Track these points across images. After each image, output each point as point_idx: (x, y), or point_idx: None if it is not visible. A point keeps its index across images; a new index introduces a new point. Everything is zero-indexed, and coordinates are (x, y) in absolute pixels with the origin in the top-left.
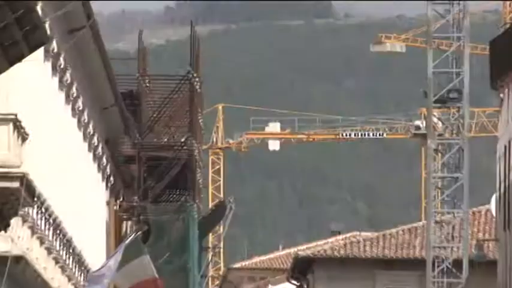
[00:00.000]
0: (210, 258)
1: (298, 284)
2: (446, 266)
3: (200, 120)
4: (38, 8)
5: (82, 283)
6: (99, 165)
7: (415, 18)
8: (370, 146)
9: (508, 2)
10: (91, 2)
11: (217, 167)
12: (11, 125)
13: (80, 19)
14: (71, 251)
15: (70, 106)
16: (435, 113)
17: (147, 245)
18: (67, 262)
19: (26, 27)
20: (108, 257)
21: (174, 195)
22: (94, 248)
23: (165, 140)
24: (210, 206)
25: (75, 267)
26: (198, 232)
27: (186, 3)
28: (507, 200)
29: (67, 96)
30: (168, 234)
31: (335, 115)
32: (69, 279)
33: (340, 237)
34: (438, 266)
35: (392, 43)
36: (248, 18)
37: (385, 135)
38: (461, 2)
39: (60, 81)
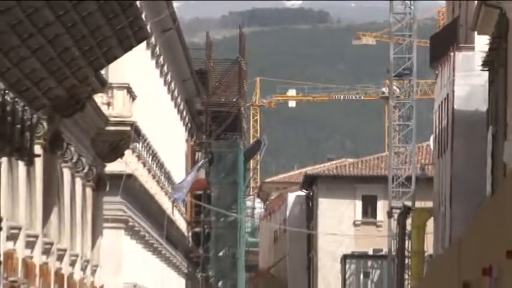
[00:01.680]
0: (251, 175)
1: (307, 192)
2: (401, 181)
3: (245, 88)
4: (143, 15)
5: (169, 191)
6: (181, 116)
7: (382, 23)
8: (353, 104)
9: (441, 12)
10: (176, 10)
11: (256, 117)
12: (125, 90)
13: (168, 22)
14: (162, 170)
15: (162, 78)
16: (394, 83)
17: (211, 168)
18: (160, 178)
19: (134, 27)
20: (186, 174)
21: (229, 135)
22: (177, 169)
23: (223, 100)
24: (251, 142)
25: (165, 181)
26: (243, 159)
27: (236, 12)
28: (440, 138)
29: (160, 72)
30: (224, 160)
31: (330, 84)
32: (161, 189)
33: (333, 162)
34: (396, 181)
35: (366, 39)
36: (275, 23)
37: (362, 97)
38: (411, 11)
39: (156, 62)
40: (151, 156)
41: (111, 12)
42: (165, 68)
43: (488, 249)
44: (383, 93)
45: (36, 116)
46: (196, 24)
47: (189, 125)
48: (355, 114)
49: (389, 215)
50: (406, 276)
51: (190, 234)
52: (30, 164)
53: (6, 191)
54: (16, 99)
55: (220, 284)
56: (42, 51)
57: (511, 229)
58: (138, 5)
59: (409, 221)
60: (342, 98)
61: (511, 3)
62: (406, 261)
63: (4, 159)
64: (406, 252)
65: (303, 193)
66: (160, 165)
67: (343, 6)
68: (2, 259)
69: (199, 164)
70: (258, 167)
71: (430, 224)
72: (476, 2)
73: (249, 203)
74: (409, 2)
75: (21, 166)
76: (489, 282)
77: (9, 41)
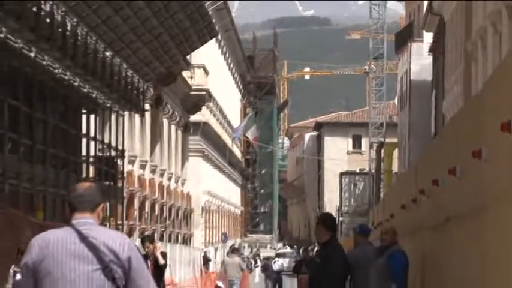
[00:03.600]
0: (281, 122)
1: (317, 133)
2: (377, 125)
3: (277, 67)
4: (213, 20)
5: (230, 132)
6: (237, 85)
7: (364, 25)
8: (346, 77)
9: (402, 18)
10: (233, 17)
11: (284, 86)
12: (202, 69)
13: (229, 25)
14: (225, 119)
15: (225, 61)
16: (372, 63)
17: (256, 118)
18: (224, 124)
19: (208, 28)
20: (240, 122)
21: (267, 97)
22: (235, 119)
23: (263, 74)
24: (281, 101)
25: (227, 126)
26: (277, 112)
27: (271, 19)
28: (402, 98)
29: (224, 57)
30: (265, 113)
31: (332, 64)
32: (225, 131)
33: (334, 114)
34: (373, 125)
35: (354, 35)
36: (296, 26)
37: (352, 72)
38: (383, 17)
39: (221, 51)
40: (218, 110)
41: (194, 18)
42: (227, 54)
43: (435, 169)
44: (365, 69)
45: (146, 85)
46: (246, 27)
47: (242, 90)
48: (347, 83)
49: (370, 147)
50: (381, 186)
51: (243, 159)
52: (142, 115)
53: (127, 133)
54: (134, 74)
55: (262, 191)
56: (151, 44)
57: (450, 156)
58: (210, 13)
59: (382, 151)
60: (339, 73)
61: (447, 13)
62: (381, 176)
63: (126, 113)
64: (380, 170)
65: (314, 133)
66: (224, 116)
67: (339, 15)
68: (125, 176)
69: (249, 115)
70: (286, 117)
71: (396, 152)
72: (424, 10)
73: (280, 140)
74: (381, 11)
75: (137, 117)
76: (436, 190)
77: (129, 38)
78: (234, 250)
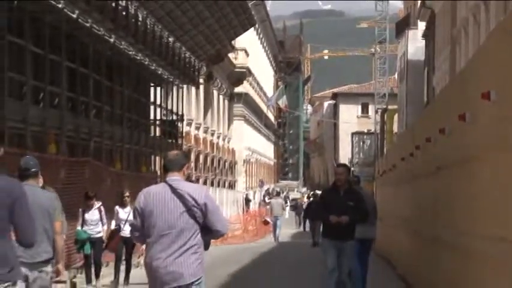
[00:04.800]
0: (306, 93)
1: (334, 101)
2: (381, 95)
3: (302, 49)
4: (253, 13)
5: (265, 101)
6: (270, 63)
7: (372, 15)
8: (357, 57)
9: (401, 10)
10: (268, 10)
11: (307, 64)
12: (243, 51)
13: (264, 17)
14: (262, 91)
15: (261, 45)
16: (378, 46)
17: (286, 89)
18: (261, 94)
19: (249, 19)
20: (273, 92)
21: (295, 73)
22: (269, 90)
23: (291, 55)
24: (305, 76)
25: (263, 95)
26: (302, 85)
27: (298, 11)
28: (401, 73)
29: (260, 41)
30: (293, 85)
31: (346, 47)
32: (262, 100)
33: (346, 86)
34: (378, 95)
35: (363, 24)
36: (318, 17)
37: (361, 53)
38: (386, 10)
39: (259, 36)
40: (256, 84)
41: (238, 11)
42: (263, 39)
43: (428, 129)
44: (372, 51)
45: (200, 64)
46: (278, 17)
47: (274, 68)
48: (358, 62)
49: (375, 112)
50: (384, 143)
51: (275, 122)
52: (197, 87)
53: (185, 101)
54: (190, 55)
55: (290, 147)
56: (204, 31)
57: (440, 119)
58: (250, 7)
59: (385, 115)
60: (351, 54)
61: (437, 6)
62: (384, 135)
63: (184, 86)
64: (384, 131)
65: (331, 102)
66: (260, 88)
67: (352, 8)
68: (184, 135)
69: (280, 88)
70: (309, 89)
71: (396, 117)
72: (419, 4)
73: (304, 107)
74: (384, 5)
75: (193, 89)
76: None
77: (187, 27)
78: (278, 193)
